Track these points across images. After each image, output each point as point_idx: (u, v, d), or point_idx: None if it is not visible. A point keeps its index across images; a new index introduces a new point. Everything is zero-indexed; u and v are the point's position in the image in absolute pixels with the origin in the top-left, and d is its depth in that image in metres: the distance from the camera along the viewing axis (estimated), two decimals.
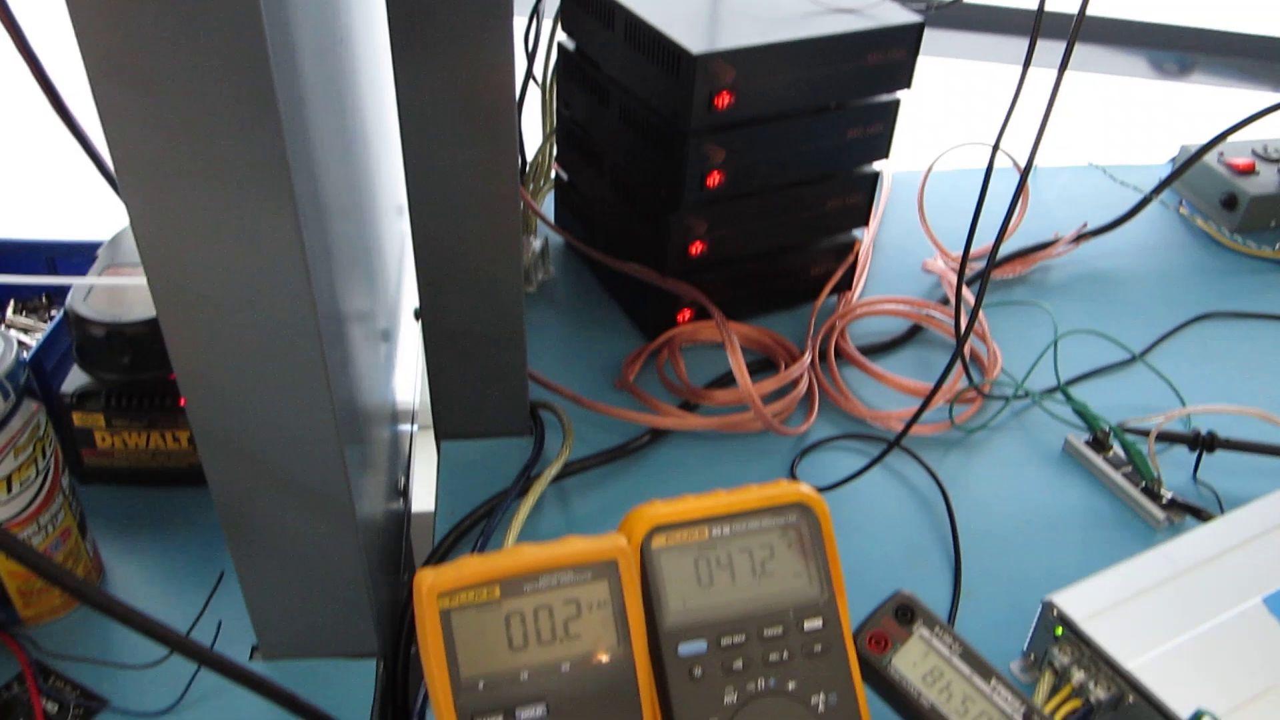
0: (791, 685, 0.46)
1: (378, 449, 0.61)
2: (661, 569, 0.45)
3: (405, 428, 0.77)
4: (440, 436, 0.72)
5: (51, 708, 0.54)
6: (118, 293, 0.62)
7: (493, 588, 0.41)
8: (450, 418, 0.71)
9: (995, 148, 0.67)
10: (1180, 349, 0.84)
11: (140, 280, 0.60)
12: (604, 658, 0.43)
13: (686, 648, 0.45)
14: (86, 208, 0.89)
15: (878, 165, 0.80)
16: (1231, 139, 0.90)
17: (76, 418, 0.63)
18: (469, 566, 0.41)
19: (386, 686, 0.58)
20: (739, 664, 0.45)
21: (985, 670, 0.50)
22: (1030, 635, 0.58)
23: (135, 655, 0.56)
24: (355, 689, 0.56)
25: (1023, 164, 0.64)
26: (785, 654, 0.46)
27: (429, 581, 0.41)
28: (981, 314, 0.84)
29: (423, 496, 0.74)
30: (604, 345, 0.81)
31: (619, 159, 0.79)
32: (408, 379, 0.81)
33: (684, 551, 0.46)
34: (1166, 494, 0.68)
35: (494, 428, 0.71)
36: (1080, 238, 0.94)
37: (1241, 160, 1.01)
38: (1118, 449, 0.72)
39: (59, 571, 0.41)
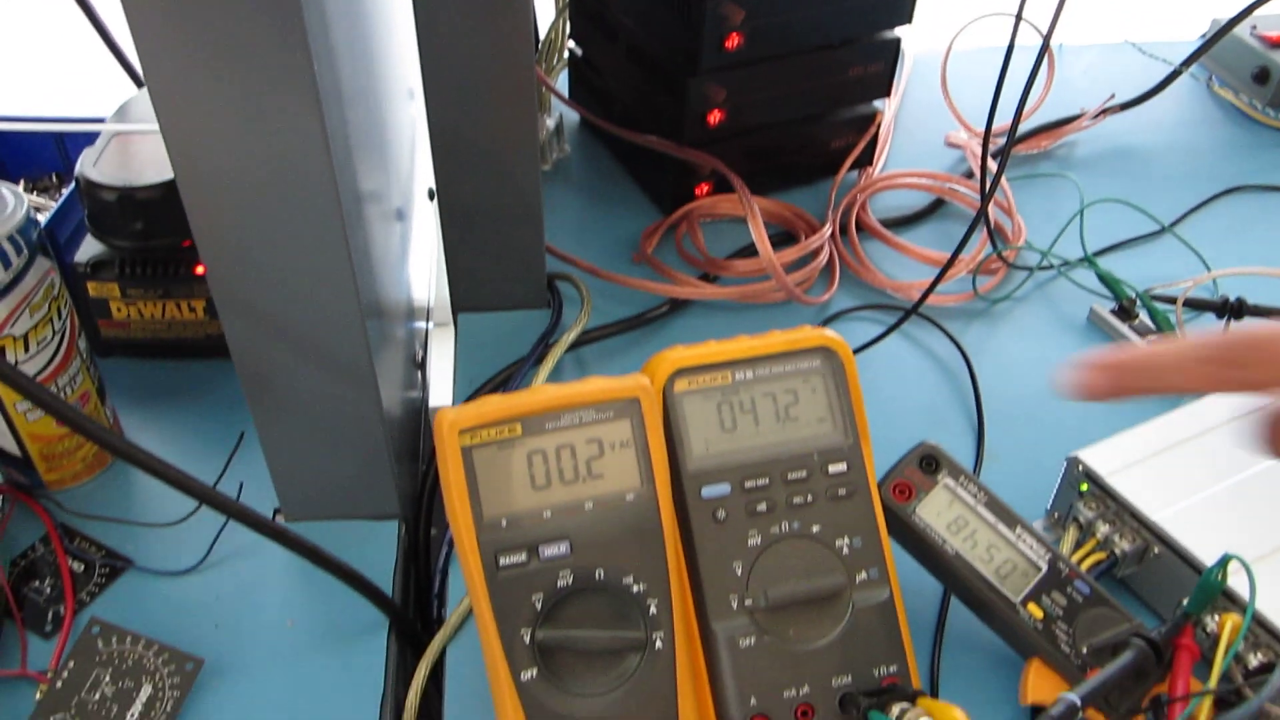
0: (815, 528, 0.45)
1: (395, 322, 0.60)
2: (684, 412, 0.45)
3: (420, 324, 0.77)
4: (457, 310, 0.71)
5: (77, 567, 0.55)
6: (128, 158, 0.61)
7: (514, 425, 0.41)
8: (466, 292, 0.70)
9: (1018, 17, 0.65)
10: (1209, 221, 0.82)
11: (152, 126, 0.59)
12: (627, 497, 0.43)
13: (710, 490, 0.44)
14: (94, 91, 0.88)
15: (900, 31, 0.78)
16: (1264, 11, 0.87)
17: (91, 288, 0.63)
18: (490, 404, 0.41)
19: (409, 548, 0.59)
20: (763, 506, 0.45)
21: (1010, 519, 0.49)
22: (1054, 493, 0.58)
23: (158, 517, 0.56)
24: (378, 549, 0.56)
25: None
26: (809, 497, 0.45)
27: (450, 418, 0.40)
28: (1007, 187, 0.82)
29: (440, 391, 0.74)
30: (621, 222, 0.80)
31: (634, 26, 0.77)
32: (422, 274, 0.80)
33: (706, 395, 0.45)
34: None
35: (511, 300, 0.70)
36: (1106, 111, 0.91)
37: (1275, 33, 0.97)
38: (1144, 317, 0.71)
39: (86, 421, 0.40)
